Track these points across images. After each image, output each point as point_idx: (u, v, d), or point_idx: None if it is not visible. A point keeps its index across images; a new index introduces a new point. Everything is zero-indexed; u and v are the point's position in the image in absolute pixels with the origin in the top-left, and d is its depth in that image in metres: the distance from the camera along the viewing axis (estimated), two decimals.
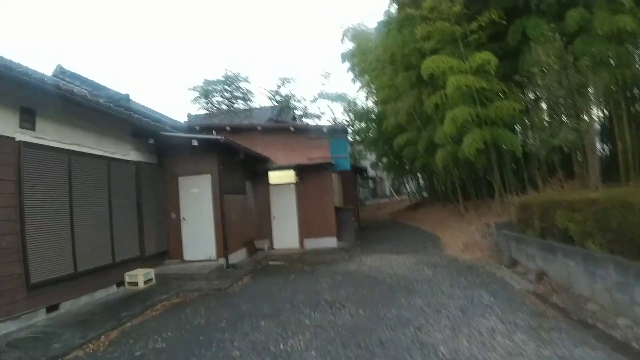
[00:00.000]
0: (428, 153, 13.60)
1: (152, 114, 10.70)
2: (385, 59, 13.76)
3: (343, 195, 14.83)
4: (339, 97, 26.68)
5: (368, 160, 28.25)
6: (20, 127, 5.19)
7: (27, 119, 5.25)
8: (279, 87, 27.68)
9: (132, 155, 8.03)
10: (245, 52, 55.91)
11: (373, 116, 20.10)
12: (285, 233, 11.92)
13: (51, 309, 5.49)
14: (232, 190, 10.10)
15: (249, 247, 10.82)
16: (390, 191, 30.45)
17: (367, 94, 19.13)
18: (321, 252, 10.84)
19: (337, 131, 12.92)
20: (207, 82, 25.46)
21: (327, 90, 28.67)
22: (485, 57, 9.71)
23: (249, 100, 26.17)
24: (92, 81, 10.62)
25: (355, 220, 13.41)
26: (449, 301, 5.20)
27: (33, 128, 5.38)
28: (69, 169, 6.02)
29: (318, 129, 13.21)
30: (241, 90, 26.49)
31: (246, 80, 26.67)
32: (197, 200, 9.17)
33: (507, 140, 10.26)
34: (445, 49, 10.96)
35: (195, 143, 8.29)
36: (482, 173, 13.26)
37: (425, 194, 21.80)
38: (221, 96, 25.64)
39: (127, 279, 7.36)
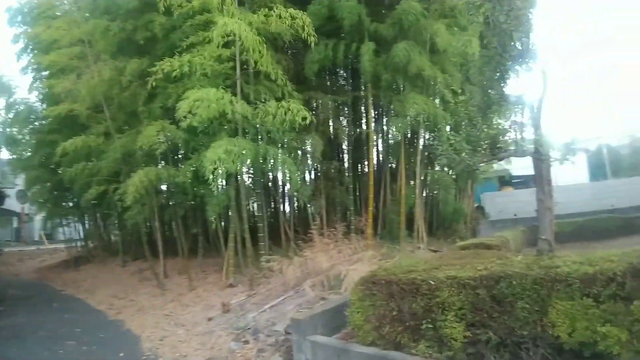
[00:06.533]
0: (115, 175, 8.28)
1: None
2: None
3: None
4: None
5: (18, 187, 19.34)
6: None
7: None
8: None
9: None
10: None
11: (34, 116, 12.48)
12: None
13: None
14: None
15: None
16: (40, 236, 21.07)
17: (35, 76, 11.40)
18: None
19: None
20: None
21: None
22: None
23: None
24: None
25: None
26: None
27: None
28: None
29: None
30: None
31: None
32: None
33: None
34: None
35: None
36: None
37: (92, 244, 14.35)
38: None
39: None
